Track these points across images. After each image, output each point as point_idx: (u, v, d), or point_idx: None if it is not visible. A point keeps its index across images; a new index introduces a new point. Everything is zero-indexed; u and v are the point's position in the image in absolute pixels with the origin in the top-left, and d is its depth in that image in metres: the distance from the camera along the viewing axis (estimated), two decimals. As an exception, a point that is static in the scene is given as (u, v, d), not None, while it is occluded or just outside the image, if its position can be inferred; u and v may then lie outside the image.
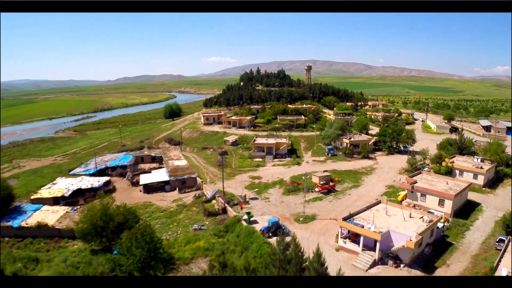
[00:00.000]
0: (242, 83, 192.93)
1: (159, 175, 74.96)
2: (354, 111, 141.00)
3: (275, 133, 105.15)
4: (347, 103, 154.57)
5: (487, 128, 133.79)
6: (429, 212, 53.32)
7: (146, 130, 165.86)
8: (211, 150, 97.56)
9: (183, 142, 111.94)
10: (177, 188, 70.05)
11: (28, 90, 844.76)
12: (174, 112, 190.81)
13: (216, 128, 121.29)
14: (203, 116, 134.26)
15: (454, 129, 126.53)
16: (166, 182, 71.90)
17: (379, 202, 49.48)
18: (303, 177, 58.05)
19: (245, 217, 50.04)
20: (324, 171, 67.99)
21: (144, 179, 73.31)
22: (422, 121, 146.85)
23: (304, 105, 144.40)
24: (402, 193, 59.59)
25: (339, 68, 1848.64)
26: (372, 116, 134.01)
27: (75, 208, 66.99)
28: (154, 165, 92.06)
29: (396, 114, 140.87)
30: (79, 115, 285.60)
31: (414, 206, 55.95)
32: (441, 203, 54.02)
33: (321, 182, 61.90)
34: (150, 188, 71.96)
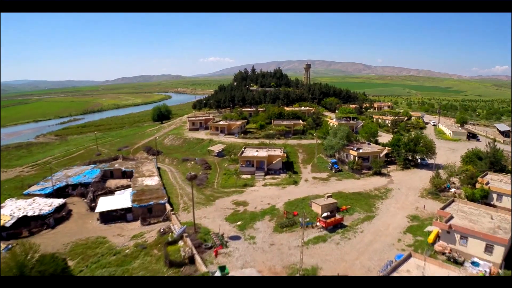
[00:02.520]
0: (235, 83, 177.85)
1: (121, 199, 59.95)
2: (359, 114, 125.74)
3: (268, 141, 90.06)
4: (351, 105, 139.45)
5: (506, 134, 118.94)
6: (472, 263, 38.73)
7: (130, 135, 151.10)
8: (192, 162, 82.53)
9: (162, 152, 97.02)
10: (140, 218, 55.24)
11: (26, 91, 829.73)
12: (163, 115, 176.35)
13: (202, 134, 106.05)
14: (188, 120, 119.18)
15: (471, 135, 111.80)
16: (128, 210, 57.05)
17: (409, 256, 34.58)
18: (302, 214, 43.01)
19: (218, 274, 35.19)
20: (328, 196, 52.98)
21: (102, 205, 58.32)
22: (434, 125, 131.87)
23: (303, 108, 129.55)
24: (432, 230, 44.78)
25: (338, 68, 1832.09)
26: (380, 120, 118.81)
27: (9, 246, 51.89)
28: (123, 181, 77.20)
29: (406, 118, 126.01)
30: (67, 117, 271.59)
31: (450, 251, 41.27)
32: (488, 249, 39.22)
33: (324, 215, 46.95)
34: (108, 217, 57.14)
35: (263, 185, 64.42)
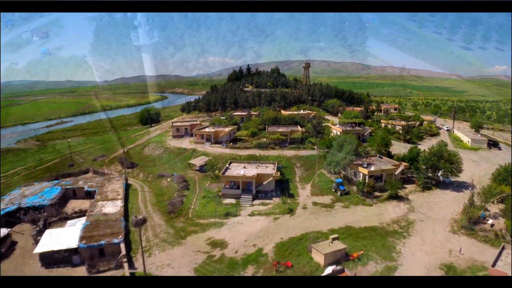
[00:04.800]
0: (229, 84, 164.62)
1: (69, 234, 46.82)
2: (365, 118, 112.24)
3: (259, 153, 76.79)
4: (355, 108, 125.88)
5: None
6: None
7: (112, 141, 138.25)
8: (168, 179, 69.24)
9: (138, 164, 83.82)
10: (86, 263, 42.14)
11: (24, 91, 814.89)
12: (151, 118, 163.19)
13: (185, 143, 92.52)
14: (172, 126, 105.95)
15: (493, 144, 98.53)
16: (75, 251, 44.00)
17: None
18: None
19: None
20: (334, 239, 39.78)
21: (44, 243, 45.24)
22: (448, 130, 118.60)
23: (302, 111, 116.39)
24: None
25: (337, 68, 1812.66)
26: (389, 126, 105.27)
27: None
28: (86, 204, 64.10)
29: (418, 123, 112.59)
30: (55, 119, 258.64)
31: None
32: None
33: (329, 270, 33.84)
34: (50, 259, 44.12)
35: (249, 215, 50.92)
